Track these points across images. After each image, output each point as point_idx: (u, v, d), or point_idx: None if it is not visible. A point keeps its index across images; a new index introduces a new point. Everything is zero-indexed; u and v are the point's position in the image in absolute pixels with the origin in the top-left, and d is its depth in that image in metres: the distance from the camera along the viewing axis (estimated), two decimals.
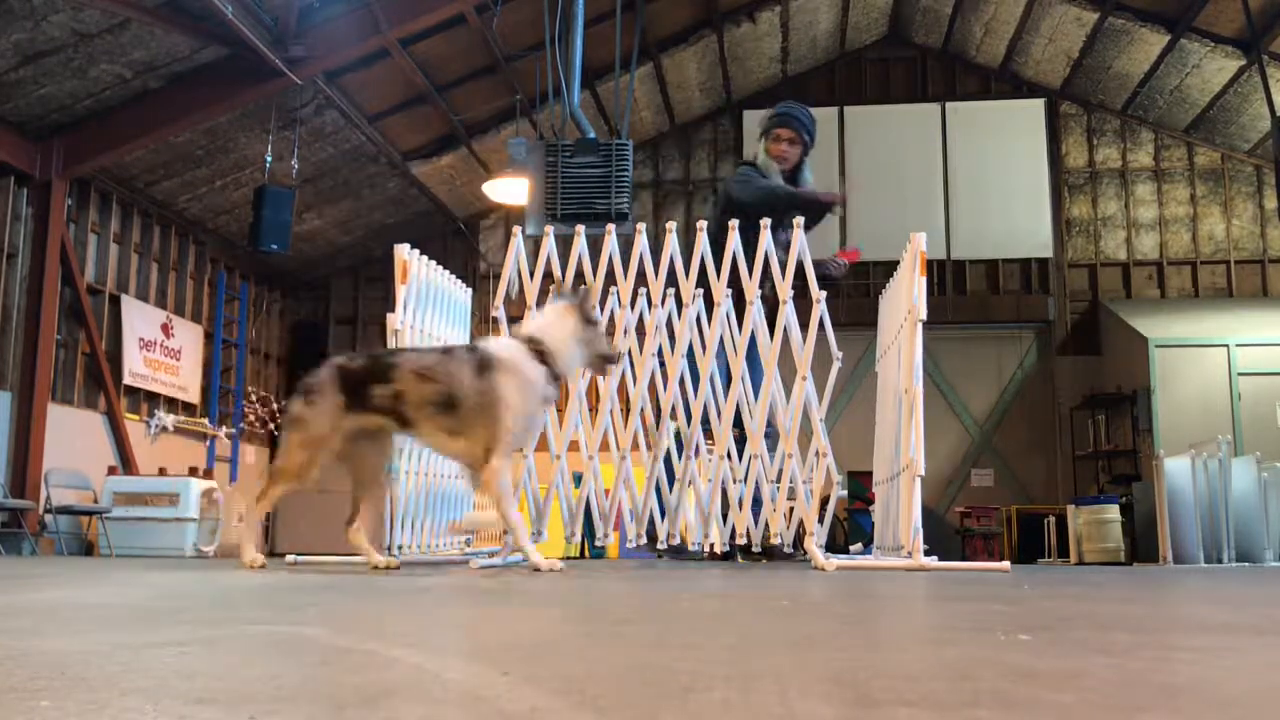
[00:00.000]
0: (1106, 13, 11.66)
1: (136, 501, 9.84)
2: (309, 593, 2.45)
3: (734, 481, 4.92)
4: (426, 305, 5.08)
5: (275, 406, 13.49)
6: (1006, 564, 4.69)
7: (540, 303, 5.00)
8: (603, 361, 4.04)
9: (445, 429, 3.68)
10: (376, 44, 9.36)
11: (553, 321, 3.84)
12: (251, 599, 2.25)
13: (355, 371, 3.75)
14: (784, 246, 5.00)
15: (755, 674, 1.05)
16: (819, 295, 4.72)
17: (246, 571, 3.72)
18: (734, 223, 4.91)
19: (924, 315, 4.46)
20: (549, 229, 5.22)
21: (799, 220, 4.86)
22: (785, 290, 4.77)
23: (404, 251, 4.87)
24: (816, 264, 4.96)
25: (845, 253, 5.80)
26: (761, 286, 4.90)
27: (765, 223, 4.87)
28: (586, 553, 8.87)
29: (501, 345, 3.78)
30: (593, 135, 7.97)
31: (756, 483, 4.88)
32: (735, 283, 4.87)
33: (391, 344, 4.77)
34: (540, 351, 3.72)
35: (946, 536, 11.75)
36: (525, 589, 2.70)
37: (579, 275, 5.01)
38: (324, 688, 0.97)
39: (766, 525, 4.87)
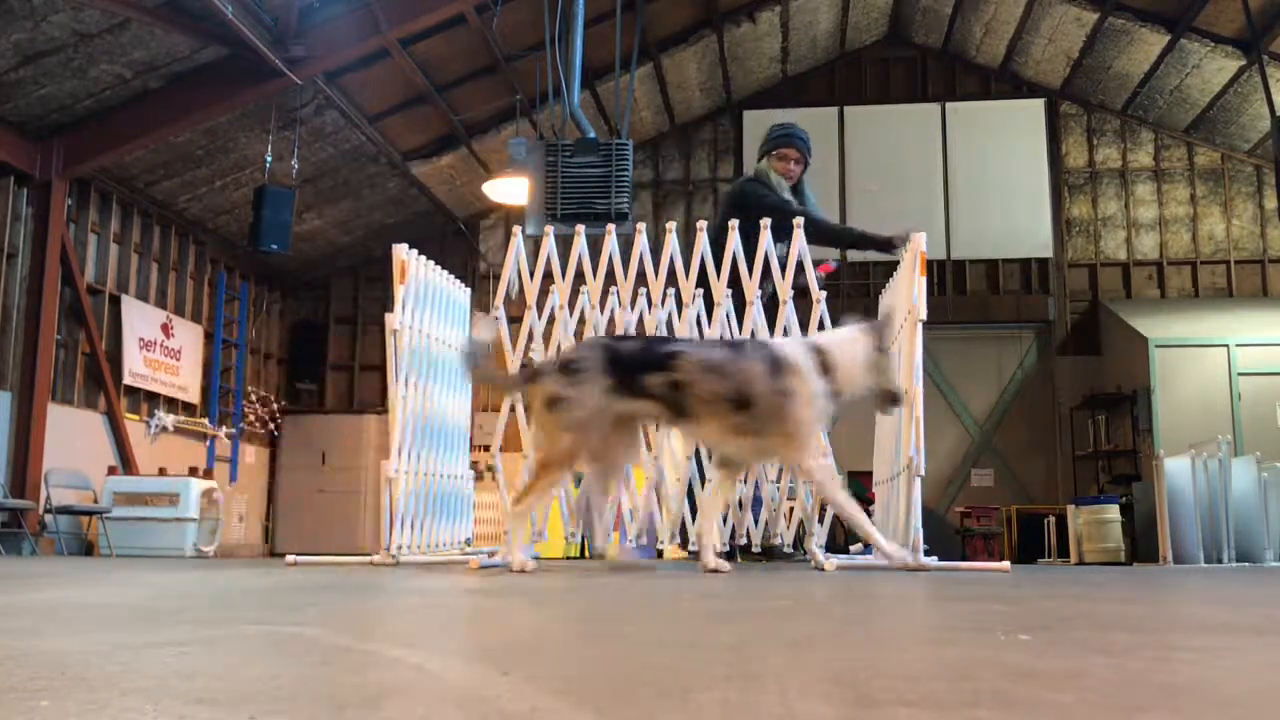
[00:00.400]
0: (1106, 13, 11.67)
1: (136, 501, 9.84)
2: (309, 593, 2.45)
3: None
4: (425, 305, 5.08)
5: (275, 407, 13.49)
6: (1006, 564, 4.69)
7: (541, 303, 5.01)
8: (887, 398, 3.76)
9: (734, 426, 3.53)
10: (376, 44, 9.36)
11: (846, 339, 3.69)
12: (251, 599, 2.24)
13: (626, 355, 3.55)
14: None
15: (755, 674, 1.05)
16: (819, 295, 4.72)
17: (519, 575, 3.46)
18: (734, 222, 4.91)
19: (924, 315, 4.45)
20: (549, 229, 5.22)
21: (799, 221, 4.86)
22: (785, 290, 4.77)
23: (402, 251, 4.87)
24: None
25: (821, 266, 5.81)
26: (763, 286, 4.90)
27: (765, 223, 4.86)
28: (586, 553, 8.87)
29: (791, 348, 3.63)
30: (593, 135, 7.97)
31: (756, 482, 4.88)
32: (735, 283, 4.87)
33: (390, 345, 4.77)
34: (825, 364, 3.58)
35: (946, 536, 11.74)
36: (525, 589, 2.70)
37: (579, 275, 5.01)
38: (324, 688, 0.97)
39: (767, 525, 4.87)
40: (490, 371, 4.28)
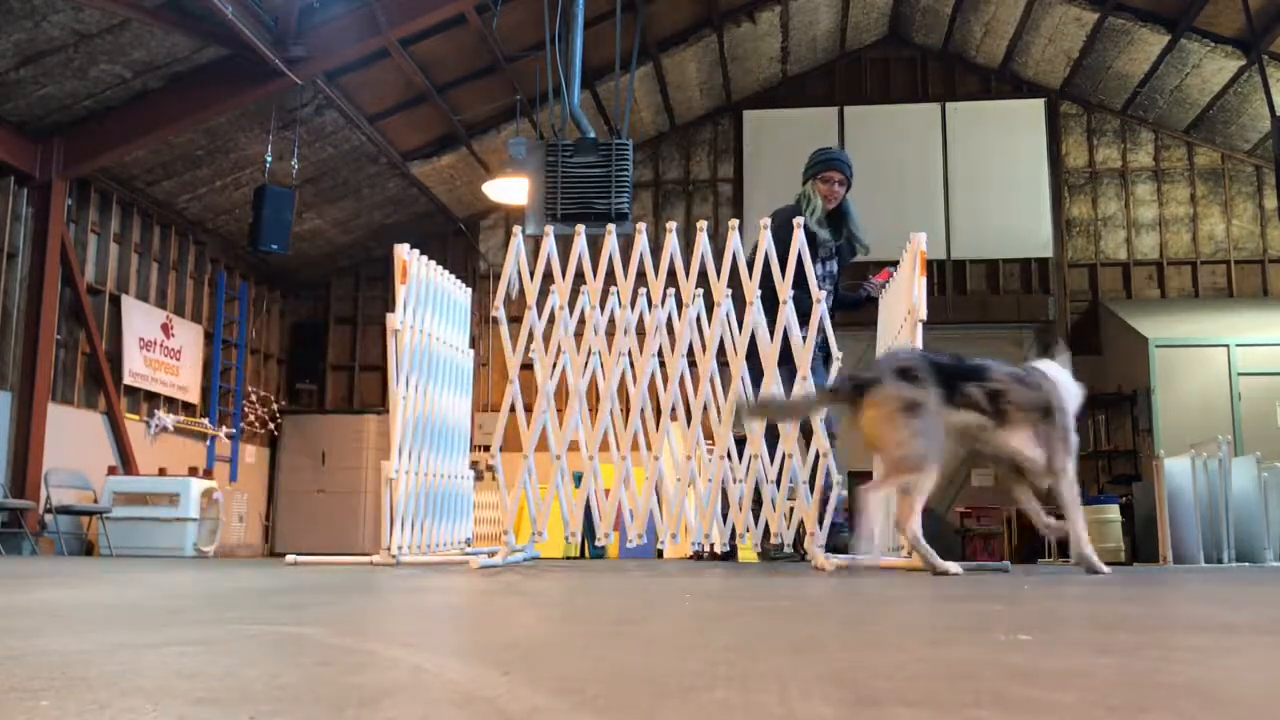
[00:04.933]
0: (1106, 13, 11.66)
1: (136, 501, 9.84)
2: (309, 593, 2.45)
3: (734, 481, 4.92)
4: (426, 305, 5.08)
5: (274, 407, 13.49)
6: (1006, 564, 4.69)
7: (540, 303, 5.00)
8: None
9: (1039, 435, 3.77)
10: (376, 44, 9.36)
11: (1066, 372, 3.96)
12: (251, 599, 2.24)
13: (947, 366, 3.75)
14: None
15: (755, 674, 1.05)
16: (819, 295, 4.71)
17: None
18: (734, 222, 4.92)
19: (924, 315, 4.45)
20: (549, 229, 5.21)
21: (799, 220, 4.86)
22: (785, 290, 4.76)
23: (404, 251, 4.87)
24: (857, 286, 5.15)
25: (881, 274, 6.08)
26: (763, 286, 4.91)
27: (765, 222, 4.86)
28: (586, 553, 8.87)
29: (1054, 371, 3.90)
30: (593, 135, 7.97)
31: (756, 482, 4.87)
32: (735, 282, 4.87)
33: (391, 345, 4.77)
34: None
35: (946, 536, 11.75)
36: (525, 589, 2.70)
37: (579, 275, 5.00)
38: (324, 688, 0.97)
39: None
40: (775, 402, 4.51)
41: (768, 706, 0.86)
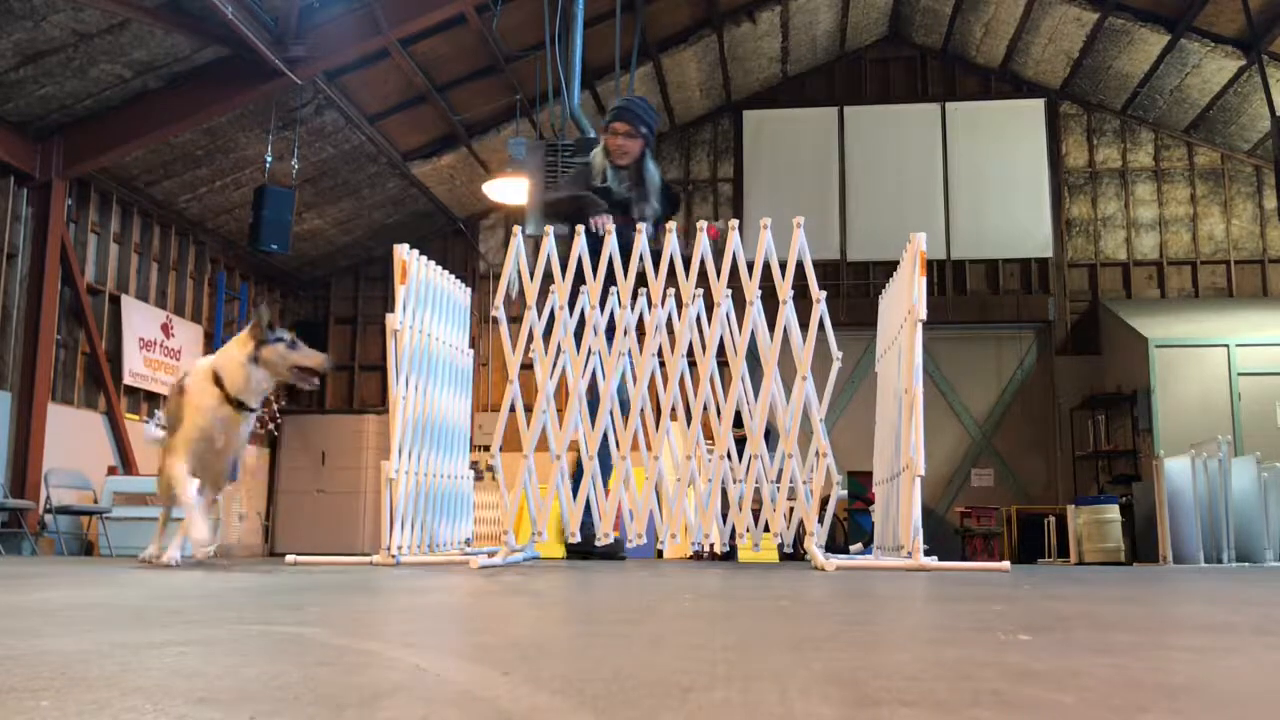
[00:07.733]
0: (1106, 13, 11.67)
1: (136, 501, 9.84)
2: (309, 593, 2.44)
3: (734, 482, 4.92)
4: (426, 305, 5.07)
5: (275, 407, 13.48)
6: (1006, 564, 4.69)
7: (541, 303, 5.00)
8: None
9: None
10: (376, 44, 9.36)
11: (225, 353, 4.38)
12: (251, 599, 2.24)
13: None
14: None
15: (755, 674, 1.05)
16: (819, 295, 4.71)
17: None
18: (734, 221, 4.91)
19: (924, 315, 4.45)
20: (549, 229, 5.21)
21: (799, 220, 4.85)
22: (785, 290, 4.76)
23: (403, 251, 4.87)
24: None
25: (710, 228, 5.53)
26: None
27: (765, 222, 4.86)
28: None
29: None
30: (593, 135, 7.97)
31: (756, 482, 4.88)
32: (735, 282, 4.86)
33: (391, 345, 4.76)
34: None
35: (946, 536, 11.75)
36: (525, 589, 2.70)
37: (579, 275, 5.00)
38: (324, 688, 0.97)
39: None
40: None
41: (768, 706, 0.86)
